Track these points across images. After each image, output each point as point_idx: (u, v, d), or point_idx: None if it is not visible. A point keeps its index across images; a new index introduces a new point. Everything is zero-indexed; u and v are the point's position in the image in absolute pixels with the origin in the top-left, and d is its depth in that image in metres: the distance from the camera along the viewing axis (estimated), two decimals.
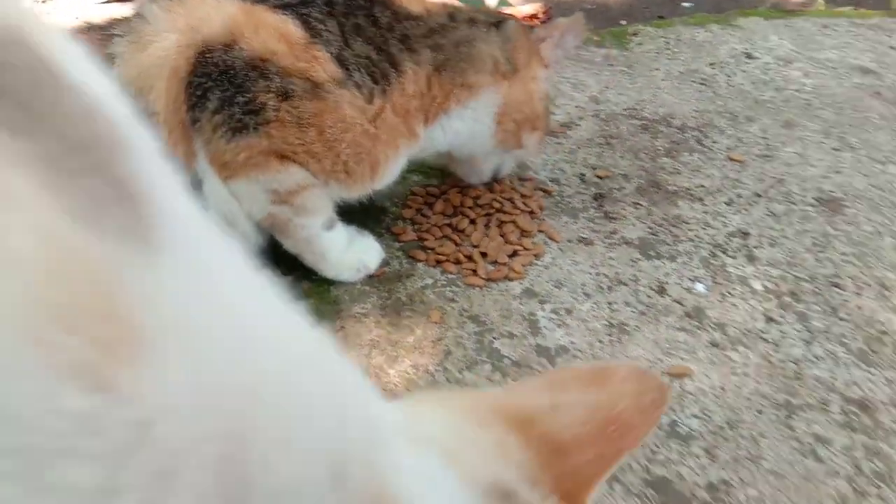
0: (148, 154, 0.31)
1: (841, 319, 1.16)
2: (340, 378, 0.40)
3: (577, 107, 1.72)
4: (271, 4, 0.95)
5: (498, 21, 1.16)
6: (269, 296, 0.36)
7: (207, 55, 0.89)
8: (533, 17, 2.32)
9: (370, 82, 1.01)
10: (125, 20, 0.93)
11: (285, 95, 0.94)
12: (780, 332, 1.13)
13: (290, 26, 0.95)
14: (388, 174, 1.11)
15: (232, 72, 0.90)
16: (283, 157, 0.98)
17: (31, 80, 0.27)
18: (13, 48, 0.27)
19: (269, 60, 0.92)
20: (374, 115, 1.02)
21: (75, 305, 0.24)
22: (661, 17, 2.36)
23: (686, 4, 2.63)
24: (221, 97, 0.90)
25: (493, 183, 1.37)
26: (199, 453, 0.27)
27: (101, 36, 1.08)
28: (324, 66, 0.96)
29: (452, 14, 1.11)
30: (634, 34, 2.07)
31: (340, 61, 0.98)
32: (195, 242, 0.32)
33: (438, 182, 1.40)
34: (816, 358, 1.09)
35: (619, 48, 1.99)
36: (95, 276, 0.25)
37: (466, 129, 1.16)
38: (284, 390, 0.33)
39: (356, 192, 1.09)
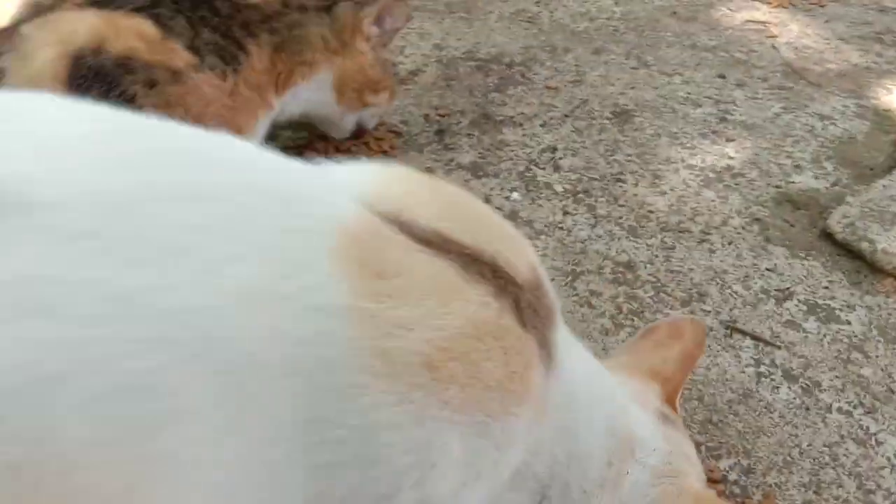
0: None
1: (620, 206, 1.51)
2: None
3: (422, 55, 1.99)
4: (126, 10, 1.18)
5: (328, 5, 1.41)
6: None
7: (81, 60, 1.12)
8: None
9: (222, 64, 1.25)
10: (7, 38, 1.13)
11: (151, 84, 1.18)
12: (573, 221, 1.47)
13: (145, 26, 1.18)
14: (252, 139, 1.37)
15: (104, 71, 1.13)
16: None
17: None
18: None
19: (133, 57, 1.15)
20: (230, 91, 1.27)
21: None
22: None
23: None
24: (98, 93, 1.13)
25: (358, 132, 1.64)
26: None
27: None
28: (179, 55, 1.20)
29: (286, 2, 1.35)
30: None
31: (193, 49, 1.22)
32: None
33: (307, 135, 1.66)
34: (598, 237, 1.44)
35: None
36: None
37: (314, 97, 1.43)
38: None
39: None
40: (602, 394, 0.69)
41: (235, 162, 0.54)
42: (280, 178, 0.55)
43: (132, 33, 1.17)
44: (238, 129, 1.32)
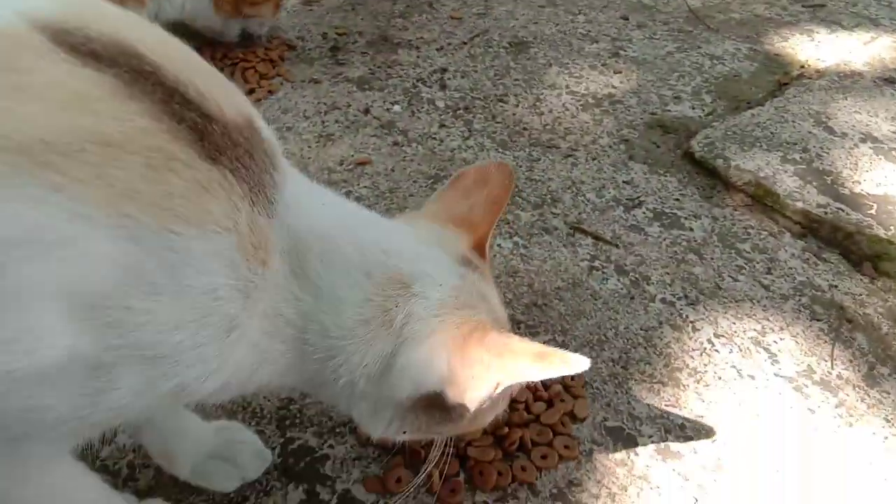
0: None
1: (496, 122, 1.54)
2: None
3: None
4: None
5: None
6: None
7: None
8: None
9: None
10: None
11: None
12: (448, 133, 1.50)
13: None
14: None
15: None
16: None
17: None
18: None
19: None
20: None
21: None
22: None
23: None
24: None
25: (244, 39, 1.65)
26: None
27: None
28: None
29: None
30: None
31: None
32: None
33: (196, 41, 1.66)
34: (468, 147, 1.46)
35: None
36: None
37: (190, 3, 1.44)
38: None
39: None
40: (355, 239, 0.69)
41: None
42: None
43: None
44: None
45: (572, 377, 1.02)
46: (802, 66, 1.75)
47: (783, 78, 1.71)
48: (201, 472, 0.86)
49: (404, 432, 0.71)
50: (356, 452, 0.92)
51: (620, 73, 1.72)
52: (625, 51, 1.80)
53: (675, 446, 0.95)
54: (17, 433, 0.55)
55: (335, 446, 0.92)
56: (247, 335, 0.59)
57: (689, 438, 0.97)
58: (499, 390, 0.68)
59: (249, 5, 1.52)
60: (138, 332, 0.52)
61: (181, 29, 1.65)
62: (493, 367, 0.65)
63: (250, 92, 1.55)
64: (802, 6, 2.04)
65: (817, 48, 1.82)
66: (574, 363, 0.64)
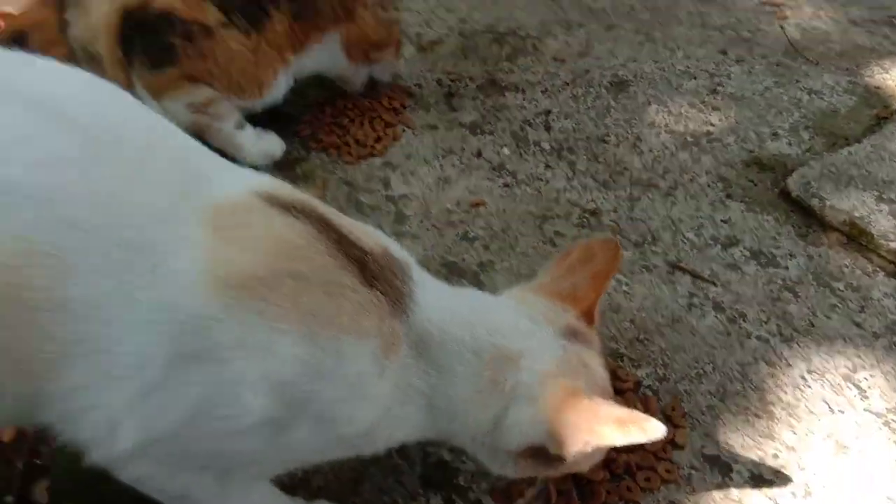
0: None
1: (598, 163, 1.67)
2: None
3: (447, 27, 2.18)
4: None
5: None
6: None
7: (130, 13, 1.37)
8: None
9: (246, 24, 1.48)
10: None
11: (188, 37, 1.42)
12: (553, 174, 1.64)
13: None
14: (273, 90, 1.60)
15: (148, 24, 1.38)
16: (192, 79, 1.47)
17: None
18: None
19: (172, 13, 1.39)
20: (253, 48, 1.51)
21: None
22: None
23: None
24: (143, 42, 1.38)
25: (370, 89, 1.86)
26: None
27: (57, 6, 1.55)
28: (211, 13, 1.44)
29: None
30: None
31: (223, 9, 1.45)
32: None
33: (328, 92, 1.88)
34: (573, 188, 1.60)
35: None
36: None
37: (326, 56, 1.65)
38: None
39: (251, 103, 1.58)
40: (469, 321, 0.85)
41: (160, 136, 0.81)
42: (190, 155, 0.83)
43: None
44: (259, 81, 1.55)
45: (672, 407, 1.15)
46: None
47: (882, 112, 1.75)
48: None
49: (517, 471, 0.89)
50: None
51: (718, 110, 1.81)
52: (723, 87, 1.89)
53: (767, 474, 1.07)
54: (224, 468, 0.81)
55: (465, 461, 1.09)
56: (384, 402, 0.80)
57: (781, 467, 1.08)
58: (588, 449, 0.82)
59: (376, 50, 1.71)
60: (311, 403, 0.74)
61: (316, 80, 1.87)
62: (582, 430, 0.80)
63: (377, 140, 1.75)
64: None
65: None
66: (651, 431, 0.77)
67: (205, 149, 0.85)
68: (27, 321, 0.67)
